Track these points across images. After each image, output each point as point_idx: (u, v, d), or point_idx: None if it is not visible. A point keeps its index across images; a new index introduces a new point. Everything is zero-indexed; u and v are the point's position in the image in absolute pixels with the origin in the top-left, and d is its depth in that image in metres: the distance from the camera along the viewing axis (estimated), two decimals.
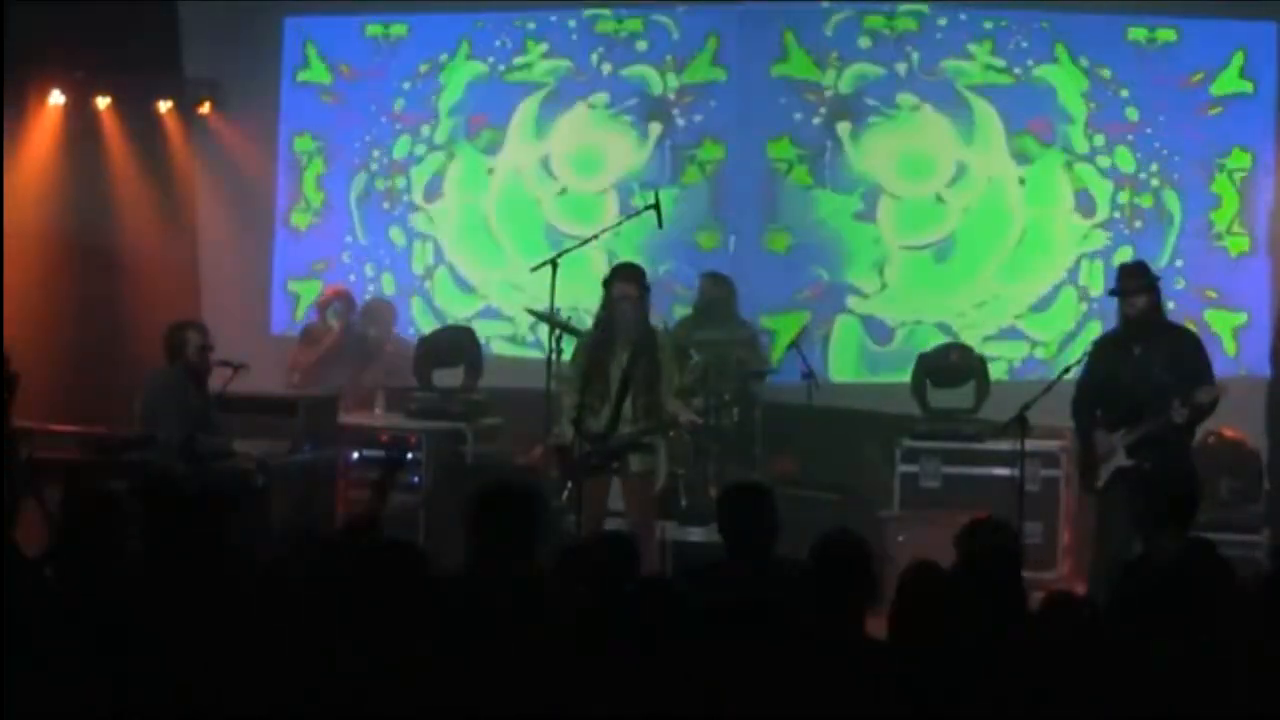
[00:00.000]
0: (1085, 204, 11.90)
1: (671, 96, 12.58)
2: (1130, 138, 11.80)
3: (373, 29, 13.03)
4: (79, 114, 12.33)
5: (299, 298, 13.16)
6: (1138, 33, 11.76)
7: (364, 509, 7.08)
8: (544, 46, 12.75)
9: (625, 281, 9.16)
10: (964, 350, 11.39)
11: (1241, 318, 11.56)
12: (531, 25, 12.76)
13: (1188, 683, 4.85)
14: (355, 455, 11.09)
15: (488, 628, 4.91)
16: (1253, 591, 5.34)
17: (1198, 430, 9.14)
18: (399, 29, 13.01)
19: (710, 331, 11.09)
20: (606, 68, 12.67)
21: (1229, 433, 10.49)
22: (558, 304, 9.76)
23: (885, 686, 4.79)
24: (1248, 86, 11.54)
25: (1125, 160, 11.80)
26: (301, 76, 13.17)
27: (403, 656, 4.77)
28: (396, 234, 13.05)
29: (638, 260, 9.89)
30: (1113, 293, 9.10)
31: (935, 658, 4.88)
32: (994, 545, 5.76)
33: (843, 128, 12.26)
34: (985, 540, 5.81)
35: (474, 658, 4.76)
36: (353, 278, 12.99)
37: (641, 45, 12.63)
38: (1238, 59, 11.57)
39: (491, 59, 12.81)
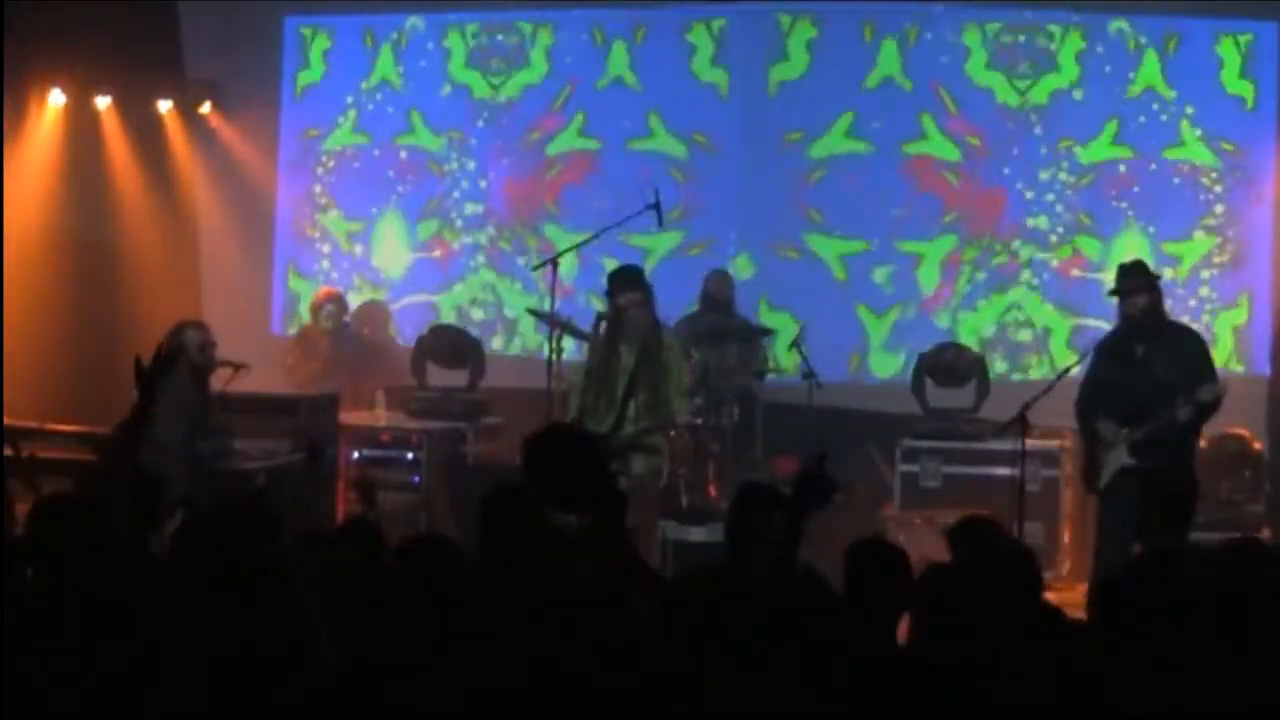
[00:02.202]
0: None
1: None
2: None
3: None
4: (79, 114, 12.31)
5: (299, 297, 13.15)
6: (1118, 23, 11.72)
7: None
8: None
9: (631, 289, 9.21)
10: (964, 350, 11.38)
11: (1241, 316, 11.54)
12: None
13: (1187, 684, 4.84)
14: (355, 455, 11.11)
15: (498, 625, 4.91)
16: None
17: (1205, 431, 9.14)
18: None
19: (712, 328, 11.10)
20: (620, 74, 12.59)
21: (1231, 432, 10.49)
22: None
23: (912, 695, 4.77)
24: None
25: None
26: (302, 77, 13.16)
27: (420, 654, 4.76)
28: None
29: None
30: (1113, 293, 9.09)
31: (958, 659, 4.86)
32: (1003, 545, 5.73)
33: None
34: (989, 540, 5.78)
35: (485, 655, 4.76)
36: (357, 283, 12.99)
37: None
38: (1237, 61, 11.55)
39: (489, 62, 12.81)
